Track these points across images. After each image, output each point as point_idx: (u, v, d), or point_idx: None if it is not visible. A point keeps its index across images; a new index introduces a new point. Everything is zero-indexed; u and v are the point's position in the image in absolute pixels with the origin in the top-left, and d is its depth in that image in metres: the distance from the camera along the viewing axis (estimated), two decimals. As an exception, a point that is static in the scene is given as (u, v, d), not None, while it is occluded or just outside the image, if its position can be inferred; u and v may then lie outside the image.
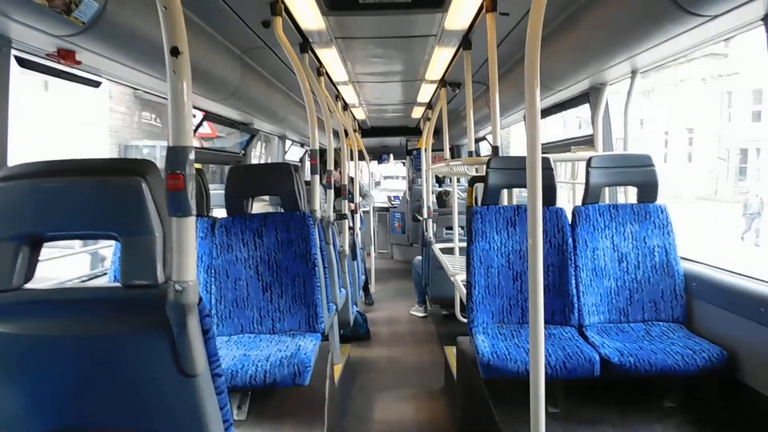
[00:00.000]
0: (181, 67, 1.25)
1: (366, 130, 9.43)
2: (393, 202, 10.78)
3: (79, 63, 2.28)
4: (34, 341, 1.22)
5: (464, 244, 2.81)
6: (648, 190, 2.74)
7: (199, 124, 4.29)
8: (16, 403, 1.25)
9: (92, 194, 1.21)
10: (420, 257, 6.19)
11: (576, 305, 2.67)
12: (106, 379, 1.25)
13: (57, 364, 1.24)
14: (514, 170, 2.77)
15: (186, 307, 1.19)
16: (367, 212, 8.55)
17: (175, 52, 1.24)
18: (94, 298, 1.26)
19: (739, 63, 24.08)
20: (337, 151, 5.36)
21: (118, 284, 1.22)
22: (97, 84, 2.78)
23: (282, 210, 2.99)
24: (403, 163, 10.92)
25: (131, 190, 1.20)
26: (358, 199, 6.35)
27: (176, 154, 1.22)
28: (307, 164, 3.60)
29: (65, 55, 2.16)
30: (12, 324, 1.22)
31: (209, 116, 4.30)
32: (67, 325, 1.22)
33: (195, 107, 3.94)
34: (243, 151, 5.66)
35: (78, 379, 1.25)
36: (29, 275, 1.25)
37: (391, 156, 10.72)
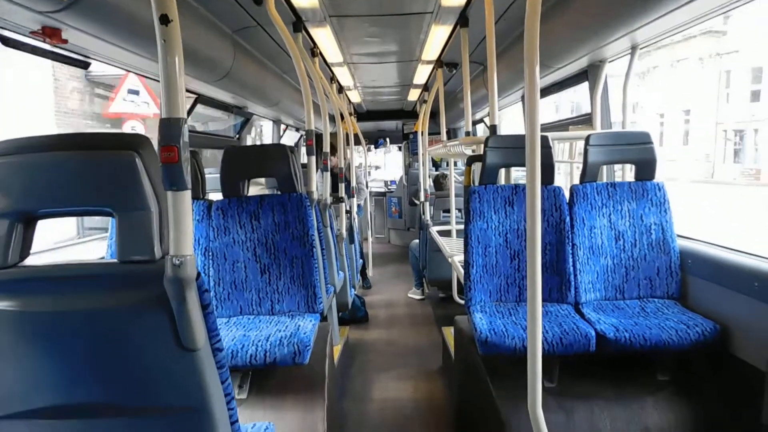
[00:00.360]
0: (172, 35, 1.21)
1: (362, 114, 9.38)
2: (390, 187, 10.76)
3: (65, 42, 2.22)
4: (32, 318, 1.21)
5: (461, 227, 2.81)
6: (646, 167, 2.73)
7: (192, 107, 4.24)
8: (14, 381, 1.25)
9: (85, 170, 1.19)
10: (417, 241, 6.19)
11: (573, 283, 2.68)
12: (105, 355, 1.24)
13: (55, 340, 1.22)
14: (512, 149, 2.75)
15: (184, 282, 1.17)
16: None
17: (164, 20, 1.20)
18: (92, 274, 1.24)
19: (738, 41, 23.72)
20: (333, 136, 5.32)
21: (115, 260, 1.21)
22: (86, 65, 2.73)
23: (279, 193, 2.97)
24: (399, 148, 10.87)
25: (125, 164, 1.17)
26: (355, 183, 6.33)
27: (169, 127, 1.19)
28: (303, 147, 3.58)
29: (50, 33, 2.10)
30: (9, 301, 1.20)
31: (202, 99, 4.25)
32: (64, 302, 1.21)
33: (187, 90, 3.89)
34: (237, 135, 5.62)
35: (77, 356, 1.24)
36: (24, 253, 1.23)
37: (388, 140, 10.66)
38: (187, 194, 1.21)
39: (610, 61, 3.35)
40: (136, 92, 7.98)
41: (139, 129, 8.01)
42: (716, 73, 25.82)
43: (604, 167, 3.28)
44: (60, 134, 1.22)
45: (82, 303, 1.20)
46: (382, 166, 16.05)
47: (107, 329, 1.22)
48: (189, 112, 4.14)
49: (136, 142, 1.20)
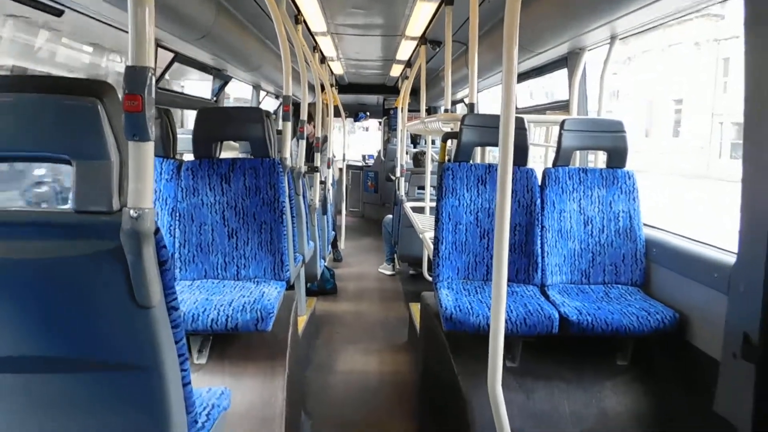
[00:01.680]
0: None
1: (343, 86, 9.29)
2: (367, 161, 10.73)
3: None
4: None
5: (435, 204, 2.81)
6: (617, 155, 2.76)
7: (169, 65, 4.14)
8: None
9: (44, 113, 1.15)
10: (391, 216, 6.21)
11: (540, 265, 2.71)
12: (56, 307, 1.22)
13: (5, 288, 1.19)
14: (488, 128, 2.75)
15: (141, 235, 1.15)
16: (341, 169, 8.49)
17: None
18: (45, 222, 1.20)
19: (738, 26, 22.55)
20: (312, 105, 5.26)
21: (70, 209, 1.18)
22: (59, 12, 2.65)
23: (251, 157, 2.93)
24: (380, 123, 10.83)
25: (86, 111, 1.14)
26: (331, 154, 6.29)
27: (135, 75, 1.16)
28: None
29: None
30: None
31: (180, 58, 4.15)
32: (14, 249, 1.17)
33: (164, 47, 3.80)
34: (215, 98, 5.52)
35: (26, 306, 1.21)
36: None
37: (368, 114, 10.61)
38: (150, 145, 1.18)
39: (589, 50, 3.37)
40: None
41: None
42: (713, 59, 23.67)
43: (578, 153, 3.31)
44: (20, 75, 1.18)
45: (34, 251, 1.17)
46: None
47: (59, 280, 1.20)
48: (166, 70, 4.05)
49: (99, 88, 1.16)
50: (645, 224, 2.77)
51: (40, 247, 1.18)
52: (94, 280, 1.20)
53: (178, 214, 2.74)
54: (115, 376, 1.27)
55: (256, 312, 2.28)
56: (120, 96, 1.18)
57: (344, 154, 8.60)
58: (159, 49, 3.67)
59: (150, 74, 1.17)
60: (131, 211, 1.14)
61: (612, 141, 2.74)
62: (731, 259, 1.95)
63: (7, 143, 1.17)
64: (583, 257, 2.74)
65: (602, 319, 2.28)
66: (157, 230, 1.20)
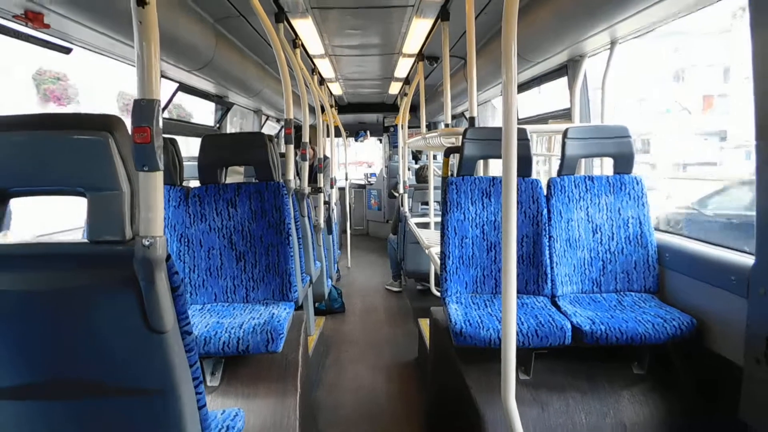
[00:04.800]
0: (148, 17, 1.22)
1: (343, 106, 9.36)
2: (370, 179, 10.76)
3: (47, 26, 2.24)
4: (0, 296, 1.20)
5: (439, 219, 2.81)
6: (624, 161, 2.75)
7: (173, 95, 4.19)
8: None
9: (58, 149, 1.18)
10: (395, 233, 6.21)
11: (549, 275, 2.69)
12: (73, 335, 1.23)
13: (22, 319, 1.21)
14: (490, 141, 2.76)
15: (154, 263, 1.17)
16: (343, 189, 8.51)
17: (141, 1, 1.21)
18: (61, 253, 1.23)
19: None
20: (313, 128, 5.30)
21: (86, 240, 1.20)
22: (67, 50, 2.72)
23: (256, 181, 2.95)
24: (380, 140, 10.88)
25: (98, 145, 1.17)
26: (333, 174, 6.32)
27: (143, 108, 1.20)
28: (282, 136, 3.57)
29: (33, 17, 2.12)
30: None
31: (183, 87, 4.21)
32: (33, 280, 1.20)
33: (168, 77, 3.85)
34: (218, 125, 5.57)
35: (44, 335, 1.22)
36: None
37: (368, 133, 10.66)
38: (159, 175, 1.21)
39: (589, 56, 3.38)
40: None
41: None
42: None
43: (583, 162, 3.31)
44: (33, 114, 1.21)
45: (51, 282, 1.19)
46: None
47: (75, 309, 1.21)
48: (170, 100, 4.10)
49: (109, 122, 1.20)
50: (657, 229, 2.75)
51: (57, 277, 1.20)
52: (109, 308, 1.22)
53: (186, 240, 2.76)
54: (131, 401, 1.28)
55: (266, 333, 2.29)
56: (128, 128, 1.21)
57: (346, 174, 8.63)
58: (163, 80, 3.73)
59: (157, 106, 1.20)
60: (143, 240, 1.17)
61: (617, 147, 2.73)
62: (749, 261, 1.92)
63: (24, 179, 1.21)
64: (593, 266, 2.72)
65: (616, 328, 2.25)
66: (169, 257, 1.22)
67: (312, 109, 5.32)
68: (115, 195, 1.18)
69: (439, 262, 2.82)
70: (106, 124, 1.19)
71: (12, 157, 1.19)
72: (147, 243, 1.17)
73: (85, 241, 1.20)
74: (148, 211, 1.20)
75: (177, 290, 1.24)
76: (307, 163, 3.89)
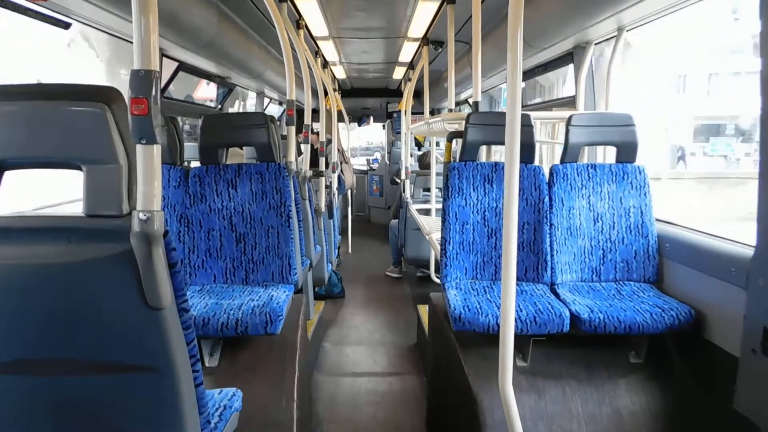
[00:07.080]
0: None
1: (346, 91, 9.31)
2: (372, 165, 10.73)
3: (46, 0, 2.19)
4: None
5: (441, 205, 2.79)
6: (627, 150, 2.73)
7: (174, 75, 4.16)
8: None
9: (54, 120, 1.16)
10: (396, 219, 6.20)
11: (549, 263, 2.69)
12: (69, 310, 1.22)
13: (18, 293, 1.20)
14: (493, 126, 2.73)
15: (151, 237, 1.16)
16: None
17: None
18: (57, 226, 1.21)
19: None
20: (316, 111, 5.27)
21: (81, 214, 1.18)
22: (67, 25, 2.69)
23: (257, 162, 2.93)
24: (383, 126, 10.84)
25: (94, 117, 1.15)
26: (335, 158, 6.30)
27: (141, 79, 1.17)
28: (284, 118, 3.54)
29: None
30: None
31: (183, 66, 4.16)
32: (27, 254, 1.18)
33: (169, 56, 3.82)
34: (219, 106, 5.54)
35: (39, 310, 1.22)
36: None
37: (371, 118, 10.61)
38: (157, 148, 1.19)
39: (596, 44, 3.34)
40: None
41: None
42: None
43: (586, 150, 3.28)
44: (29, 84, 1.19)
45: (46, 255, 1.18)
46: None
47: (71, 283, 1.20)
48: (171, 79, 4.07)
49: (106, 94, 1.17)
50: (657, 219, 2.74)
51: (53, 251, 1.18)
52: (106, 283, 1.21)
53: (186, 221, 2.75)
54: (127, 378, 1.28)
55: (265, 315, 2.29)
56: (126, 100, 1.19)
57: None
58: (164, 58, 3.69)
59: (155, 77, 1.17)
60: (140, 214, 1.16)
61: (621, 135, 2.71)
62: (749, 253, 1.91)
63: (19, 151, 1.19)
64: (593, 254, 2.71)
65: (614, 317, 2.25)
66: (167, 233, 1.20)
67: (315, 92, 5.28)
68: (112, 168, 1.16)
69: (439, 247, 2.81)
70: (103, 95, 1.17)
71: (6, 129, 1.17)
72: (144, 217, 1.15)
73: (82, 215, 1.18)
74: (145, 185, 1.18)
75: (174, 266, 1.22)
76: (308, 146, 3.86)
